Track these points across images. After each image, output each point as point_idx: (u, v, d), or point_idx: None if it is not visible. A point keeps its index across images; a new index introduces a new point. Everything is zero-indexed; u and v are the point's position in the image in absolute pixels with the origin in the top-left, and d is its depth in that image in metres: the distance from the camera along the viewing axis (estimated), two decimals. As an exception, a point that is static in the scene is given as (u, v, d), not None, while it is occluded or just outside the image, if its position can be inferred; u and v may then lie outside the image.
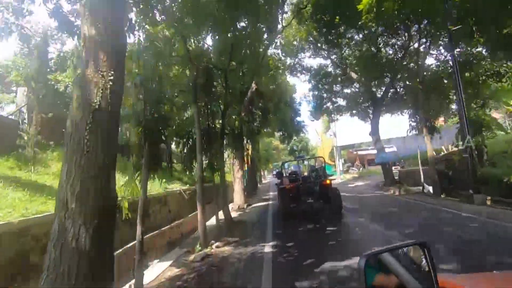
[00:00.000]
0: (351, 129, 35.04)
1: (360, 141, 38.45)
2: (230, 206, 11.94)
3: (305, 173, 11.45)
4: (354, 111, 21.05)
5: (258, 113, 19.22)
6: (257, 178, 32.77)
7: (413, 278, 0.97)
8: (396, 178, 15.76)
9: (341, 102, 22.34)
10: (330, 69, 19.64)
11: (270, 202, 13.56)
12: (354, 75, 16.46)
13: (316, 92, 21.44)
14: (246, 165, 25.25)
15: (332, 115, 22.37)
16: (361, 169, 32.83)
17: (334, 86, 20.06)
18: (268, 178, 68.55)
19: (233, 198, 11.74)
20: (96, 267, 2.12)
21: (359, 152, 34.97)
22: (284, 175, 10.79)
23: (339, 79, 18.99)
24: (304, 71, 20.80)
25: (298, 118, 29.80)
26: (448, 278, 1.28)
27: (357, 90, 19.54)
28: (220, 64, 9.43)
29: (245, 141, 15.63)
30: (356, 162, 34.00)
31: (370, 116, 18.66)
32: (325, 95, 20.88)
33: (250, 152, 20.67)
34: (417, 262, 1.01)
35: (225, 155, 13.36)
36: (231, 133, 10.98)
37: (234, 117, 11.92)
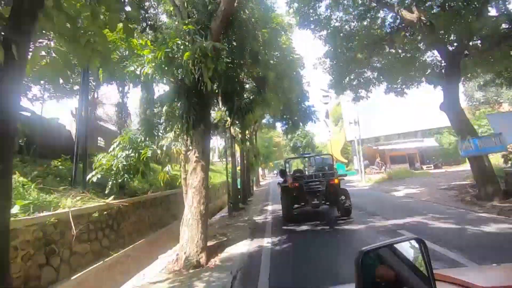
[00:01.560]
0: (369, 120, 28.53)
1: (379, 134, 31.87)
2: (169, 254, 6.04)
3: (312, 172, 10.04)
4: (399, 82, 14.54)
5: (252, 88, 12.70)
6: (253, 180, 25.81)
7: (410, 271, 1.01)
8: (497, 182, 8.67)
9: (370, 74, 15.78)
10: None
11: (270, 228, 7.37)
12: (411, 15, 9.68)
13: (334, 62, 14.95)
14: (241, 162, 18.64)
15: (360, 91, 15.68)
16: (384, 168, 26.17)
17: (366, 48, 13.39)
18: (268, 178, 61.72)
19: (181, 233, 5.13)
20: None
21: (380, 148, 28.25)
22: (288, 173, 9.78)
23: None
24: (318, 26, 14.09)
25: (306, 103, 23.40)
26: (446, 272, 1.29)
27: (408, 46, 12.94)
28: None
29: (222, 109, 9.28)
30: (377, 159, 27.30)
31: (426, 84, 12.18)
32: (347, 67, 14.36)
33: (240, 139, 14.16)
34: (414, 257, 1.04)
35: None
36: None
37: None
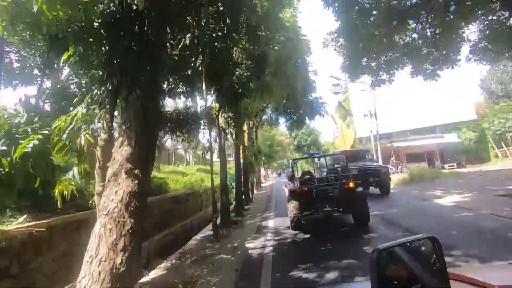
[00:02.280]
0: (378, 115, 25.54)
1: (390, 130, 28.86)
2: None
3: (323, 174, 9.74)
4: (429, 62, 11.75)
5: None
6: (253, 182, 22.51)
7: (424, 270, 1.02)
8: None
9: (392, 54, 12.92)
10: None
11: (269, 272, 4.37)
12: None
13: (349, 39, 12.26)
14: (235, 162, 15.96)
15: (381, 74, 12.86)
16: (400, 167, 23.27)
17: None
18: (270, 178, 58.57)
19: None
20: None
21: (395, 145, 25.28)
22: (296, 175, 8.53)
23: None
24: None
25: (313, 94, 20.50)
26: (460, 270, 1.29)
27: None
28: None
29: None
30: (392, 157, 24.34)
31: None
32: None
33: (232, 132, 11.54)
34: (428, 255, 1.04)
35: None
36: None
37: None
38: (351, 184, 6.96)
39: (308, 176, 8.45)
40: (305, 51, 17.01)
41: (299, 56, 15.65)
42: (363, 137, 28.72)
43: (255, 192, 22.24)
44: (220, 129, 10.02)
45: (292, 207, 7.30)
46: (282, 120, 24.77)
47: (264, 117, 26.72)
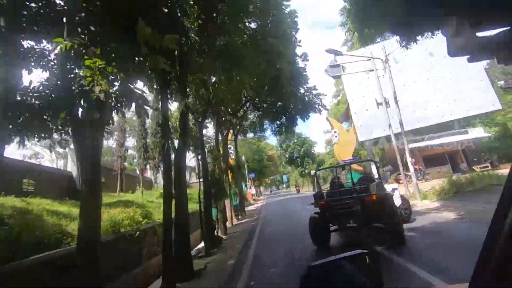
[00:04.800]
0: (378, 114, 20.85)
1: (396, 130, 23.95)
2: None
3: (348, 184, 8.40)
4: None
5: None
6: (237, 205, 16.03)
7: (358, 285, 1.02)
8: None
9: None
10: None
11: None
12: None
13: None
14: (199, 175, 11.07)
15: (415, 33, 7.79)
16: (422, 174, 18.22)
17: None
18: (263, 197, 52.22)
19: None
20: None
21: (410, 146, 20.26)
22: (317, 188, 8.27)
23: None
24: None
25: (305, 86, 15.44)
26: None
27: None
28: None
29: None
30: (411, 161, 19.18)
31: None
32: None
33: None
34: (363, 271, 1.03)
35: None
36: None
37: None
38: (374, 197, 6.12)
39: (329, 189, 7.84)
40: (290, 24, 12.19)
41: (281, 28, 10.76)
42: (367, 140, 23.75)
43: (234, 222, 16.51)
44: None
45: (312, 223, 7.00)
46: (270, 131, 19.69)
47: (247, 121, 21.65)
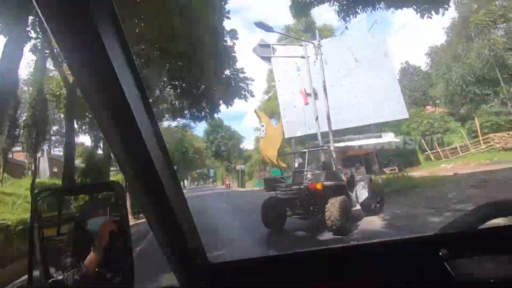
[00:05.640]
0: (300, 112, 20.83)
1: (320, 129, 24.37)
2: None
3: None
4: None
5: None
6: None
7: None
8: None
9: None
10: None
11: None
12: None
13: None
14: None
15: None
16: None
17: None
18: (185, 191, 48.08)
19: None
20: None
21: (336, 145, 20.48)
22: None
23: None
24: None
25: (230, 70, 13.39)
26: None
27: None
28: None
29: None
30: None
31: None
32: None
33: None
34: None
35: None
36: None
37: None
38: (318, 186, 6.01)
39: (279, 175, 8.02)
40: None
41: None
42: (293, 137, 23.38)
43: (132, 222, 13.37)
44: None
45: (265, 203, 6.94)
46: (190, 115, 16.95)
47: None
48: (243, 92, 13.13)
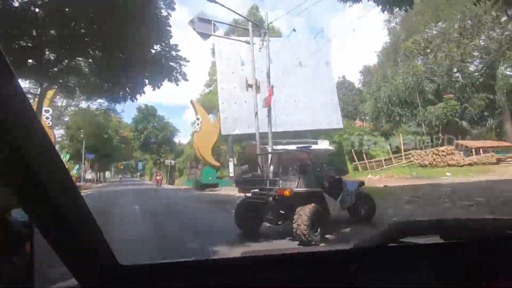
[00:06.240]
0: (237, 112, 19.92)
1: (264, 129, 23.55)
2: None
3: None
4: None
5: None
6: None
7: None
8: None
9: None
10: None
11: None
12: None
13: None
14: None
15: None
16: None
17: None
18: (100, 185, 41.88)
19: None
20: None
21: (275, 147, 19.68)
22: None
23: None
24: None
25: (164, 43, 11.05)
26: None
27: None
28: None
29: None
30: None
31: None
32: None
33: None
34: None
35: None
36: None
37: None
38: (287, 192, 5.49)
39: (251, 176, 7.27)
40: None
41: None
42: (230, 134, 21.91)
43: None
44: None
45: (239, 204, 6.62)
46: (108, 94, 13.73)
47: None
48: (174, 73, 11.00)
